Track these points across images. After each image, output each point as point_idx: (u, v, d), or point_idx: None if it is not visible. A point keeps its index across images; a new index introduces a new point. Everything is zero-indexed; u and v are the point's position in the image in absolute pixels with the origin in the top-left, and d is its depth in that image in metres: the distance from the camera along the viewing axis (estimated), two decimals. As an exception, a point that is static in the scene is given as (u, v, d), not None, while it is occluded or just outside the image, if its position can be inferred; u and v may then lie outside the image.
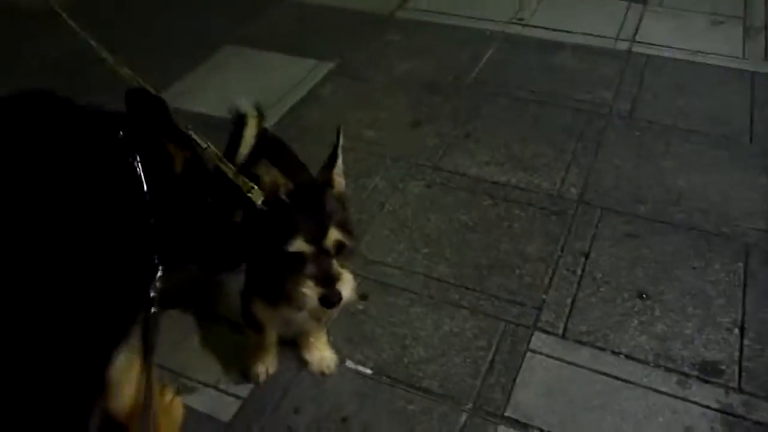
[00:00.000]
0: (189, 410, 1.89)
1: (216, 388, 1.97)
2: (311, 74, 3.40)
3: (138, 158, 1.54)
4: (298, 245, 1.45)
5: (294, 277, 1.47)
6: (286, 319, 1.74)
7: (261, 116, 2.03)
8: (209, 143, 1.72)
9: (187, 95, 3.20)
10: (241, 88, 3.18)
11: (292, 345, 2.05)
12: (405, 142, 2.92)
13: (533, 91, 3.22)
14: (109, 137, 1.53)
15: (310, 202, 1.53)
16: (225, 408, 1.91)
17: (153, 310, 1.51)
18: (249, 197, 1.59)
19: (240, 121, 2.00)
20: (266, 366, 1.97)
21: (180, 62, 3.48)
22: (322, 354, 2.00)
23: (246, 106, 2.02)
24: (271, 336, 1.94)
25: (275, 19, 3.98)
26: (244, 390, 1.96)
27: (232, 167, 1.70)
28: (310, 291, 1.45)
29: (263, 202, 1.56)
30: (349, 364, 2.02)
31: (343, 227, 1.52)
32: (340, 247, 1.49)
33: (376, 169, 2.76)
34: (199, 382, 1.99)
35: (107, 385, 1.38)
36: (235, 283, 2.22)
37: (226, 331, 2.13)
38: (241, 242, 1.84)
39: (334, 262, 1.48)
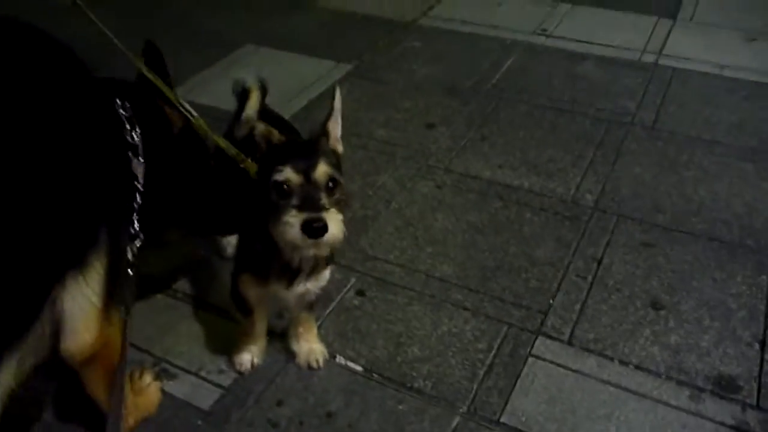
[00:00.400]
0: (168, 396, 1.82)
1: (198, 375, 1.87)
2: (328, 74, 3.34)
3: (129, 107, 1.50)
4: (286, 173, 1.39)
5: (280, 211, 1.38)
6: (275, 297, 1.66)
7: (264, 90, 1.97)
8: (197, 116, 1.67)
9: (203, 88, 3.16)
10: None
11: (281, 338, 1.95)
12: (417, 143, 2.83)
13: (553, 99, 3.12)
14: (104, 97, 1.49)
15: (302, 144, 1.51)
16: (205, 396, 1.81)
17: (130, 271, 1.45)
18: (243, 168, 1.54)
19: (243, 94, 1.94)
20: (252, 355, 1.88)
21: (201, 57, 3.46)
22: (311, 346, 1.90)
23: (250, 80, 1.96)
24: (260, 324, 1.85)
25: (298, 22, 3.95)
26: (227, 379, 1.86)
27: (224, 140, 1.64)
28: (293, 219, 1.36)
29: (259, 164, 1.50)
30: (340, 359, 1.92)
31: (336, 167, 1.47)
32: (330, 183, 1.42)
33: (385, 167, 2.67)
34: (181, 369, 1.89)
35: (58, 313, 1.27)
36: (225, 269, 2.16)
37: (213, 319, 2.04)
38: (235, 205, 1.78)
39: (324, 195, 1.40)
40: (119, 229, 1.39)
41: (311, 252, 1.48)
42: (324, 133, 1.53)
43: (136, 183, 1.51)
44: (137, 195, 1.51)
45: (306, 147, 1.50)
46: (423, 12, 4.01)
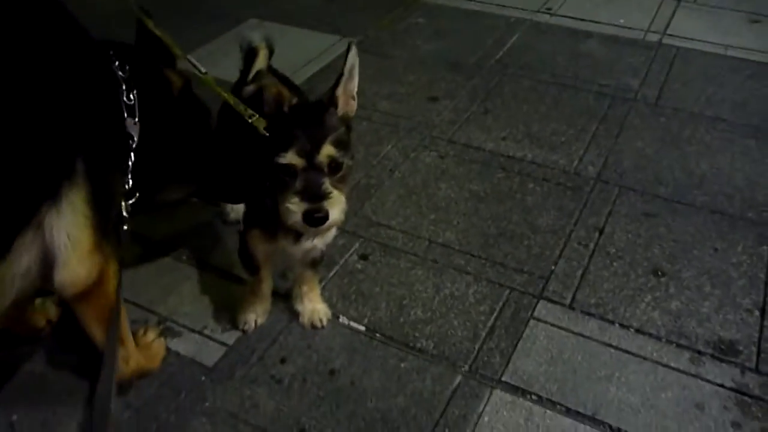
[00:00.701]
0: (173, 354, 1.83)
1: (201, 333, 1.89)
2: (332, 48, 3.34)
3: (127, 69, 1.51)
4: (290, 157, 1.40)
5: (283, 191, 1.40)
6: (282, 252, 1.68)
7: (270, 49, 1.98)
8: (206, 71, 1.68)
9: (208, 60, 3.11)
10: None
11: (285, 298, 1.97)
12: (421, 115, 2.84)
13: (556, 75, 3.12)
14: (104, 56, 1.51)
15: (309, 117, 1.47)
16: (209, 353, 1.83)
17: (125, 226, 1.48)
18: (251, 124, 1.54)
19: (250, 52, 1.95)
20: (256, 315, 1.89)
21: (205, 30, 3.46)
22: (314, 306, 1.91)
23: (256, 38, 1.96)
24: (266, 283, 1.86)
25: (304, -5, 3.95)
26: (231, 338, 1.87)
27: (232, 96, 1.64)
28: (295, 206, 1.38)
29: (267, 121, 1.50)
30: (343, 320, 1.93)
31: (341, 146, 1.45)
32: (333, 165, 1.42)
33: (388, 138, 2.68)
34: (186, 327, 1.91)
35: (45, 244, 1.29)
36: (227, 233, 2.18)
37: (216, 281, 2.05)
38: (238, 168, 1.79)
39: (326, 180, 1.40)
40: (101, 165, 1.38)
41: (312, 236, 1.52)
42: (332, 101, 1.50)
43: (130, 141, 1.52)
44: (131, 154, 1.53)
45: (312, 121, 1.46)
46: (427, -10, 4.01)
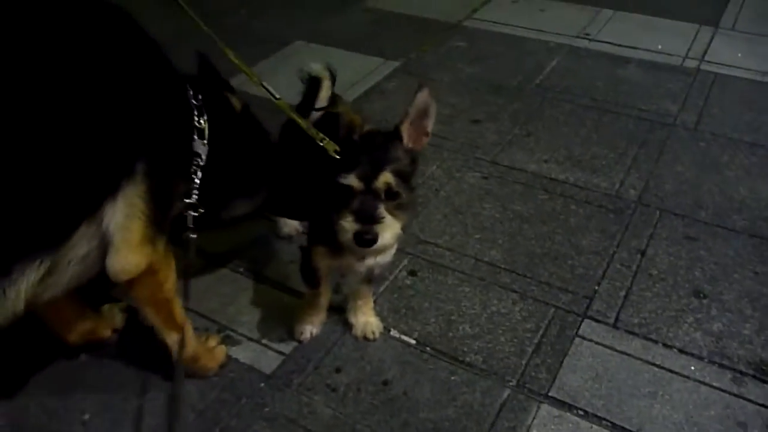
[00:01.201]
0: (233, 361, 1.93)
1: (259, 342, 1.99)
2: (377, 70, 3.45)
3: (200, 98, 1.65)
4: (350, 180, 1.50)
5: (341, 210, 1.51)
6: (347, 268, 1.77)
7: (333, 78, 2.08)
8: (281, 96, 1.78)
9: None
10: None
11: (338, 311, 2.06)
12: (464, 137, 2.93)
13: (596, 99, 3.20)
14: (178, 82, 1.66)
15: (375, 146, 1.56)
16: (268, 361, 1.92)
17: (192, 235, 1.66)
18: (323, 147, 1.63)
19: (314, 82, 2.05)
20: (312, 326, 1.98)
21: (253, 52, 3.58)
22: (367, 319, 2.00)
23: (319, 69, 2.07)
24: (324, 296, 1.96)
25: (349, 20, 4.08)
26: (288, 347, 1.97)
27: (305, 120, 1.73)
28: (348, 225, 1.49)
29: (337, 144, 1.60)
30: (394, 333, 2.02)
31: (400, 176, 1.54)
32: (390, 192, 1.52)
33: (433, 158, 2.77)
34: (244, 336, 2.01)
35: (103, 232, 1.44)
36: (281, 247, 2.28)
37: (272, 292, 2.16)
38: (298, 186, 1.89)
39: (382, 205, 1.51)
40: (161, 170, 1.51)
41: (362, 256, 1.61)
42: (398, 134, 1.58)
43: (197, 159, 1.66)
44: (198, 171, 1.66)
45: (377, 150, 1.56)
46: (468, 14, 4.12)
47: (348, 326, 2.02)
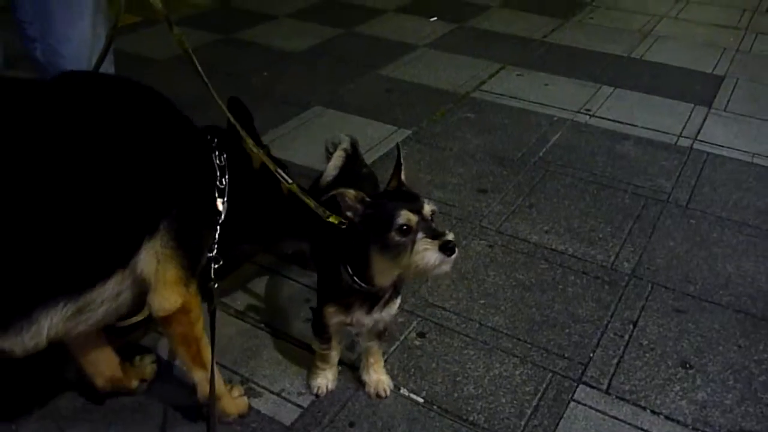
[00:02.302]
0: (255, 412, 2.09)
1: (279, 395, 2.15)
2: (390, 138, 3.69)
3: (224, 157, 1.95)
4: (405, 216, 1.68)
5: (402, 251, 1.69)
6: (356, 323, 1.96)
7: (354, 150, 2.30)
8: (293, 181, 1.98)
9: (278, 144, 3.51)
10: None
11: (352, 369, 2.23)
12: (471, 206, 3.14)
13: (595, 174, 3.42)
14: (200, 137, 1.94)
15: (397, 193, 1.82)
16: (287, 413, 2.09)
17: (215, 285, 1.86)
18: (330, 222, 1.86)
19: (349, 151, 2.28)
20: (327, 380, 2.16)
21: (276, 113, 3.85)
22: (379, 377, 2.17)
23: (343, 139, 2.30)
24: (335, 352, 2.12)
25: (364, 88, 4.34)
26: (306, 400, 2.13)
27: (312, 200, 1.93)
28: (429, 245, 1.66)
29: (346, 218, 1.83)
30: (403, 391, 2.18)
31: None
32: (433, 216, 1.74)
33: (441, 225, 2.96)
34: (266, 389, 2.17)
35: (140, 275, 1.67)
36: (298, 305, 2.47)
37: (292, 349, 2.32)
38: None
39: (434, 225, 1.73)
40: (190, 222, 1.76)
41: (445, 269, 1.72)
42: (401, 183, 1.86)
43: (217, 218, 1.89)
44: (218, 227, 1.89)
45: (402, 193, 1.82)
46: (476, 85, 4.38)
47: (361, 384, 2.18)
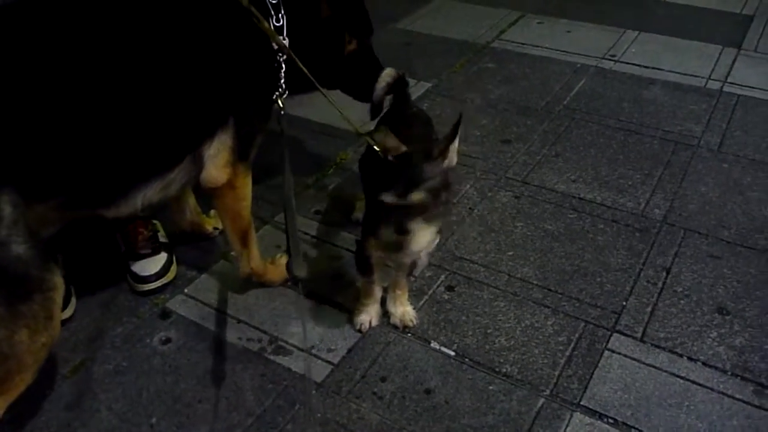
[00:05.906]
0: (285, 369, 2.08)
1: (310, 353, 2.14)
2: (411, 91, 3.59)
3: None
4: (387, 197, 1.74)
5: (381, 218, 1.79)
6: (394, 257, 1.99)
7: (402, 79, 2.38)
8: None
9: (295, 102, 3.45)
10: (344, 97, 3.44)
11: (382, 326, 2.21)
12: (495, 157, 3.07)
13: (622, 120, 3.33)
14: None
15: (408, 165, 1.77)
16: (318, 370, 2.07)
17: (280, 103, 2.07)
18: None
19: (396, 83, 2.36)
20: (370, 316, 2.18)
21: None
22: (405, 308, 2.20)
23: (390, 70, 2.36)
24: (377, 287, 2.16)
25: (382, 42, 4.18)
26: (336, 357, 2.12)
27: (356, 126, 2.03)
28: (385, 234, 1.78)
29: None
30: (434, 344, 2.16)
31: (434, 193, 1.75)
32: (422, 206, 1.74)
33: (466, 178, 2.92)
34: (296, 347, 2.16)
35: (200, 159, 1.98)
36: (329, 265, 2.43)
37: (320, 307, 2.30)
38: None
39: (413, 217, 1.75)
40: (245, 120, 2.01)
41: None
42: (443, 152, 1.81)
43: (278, 56, 2.03)
44: (283, 65, 2.05)
45: (410, 170, 1.76)
46: (496, 35, 4.27)
47: (388, 314, 2.23)
